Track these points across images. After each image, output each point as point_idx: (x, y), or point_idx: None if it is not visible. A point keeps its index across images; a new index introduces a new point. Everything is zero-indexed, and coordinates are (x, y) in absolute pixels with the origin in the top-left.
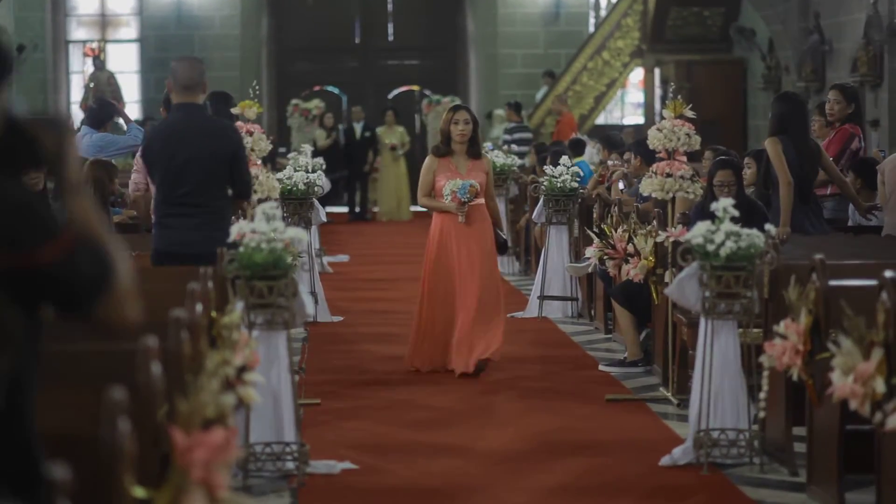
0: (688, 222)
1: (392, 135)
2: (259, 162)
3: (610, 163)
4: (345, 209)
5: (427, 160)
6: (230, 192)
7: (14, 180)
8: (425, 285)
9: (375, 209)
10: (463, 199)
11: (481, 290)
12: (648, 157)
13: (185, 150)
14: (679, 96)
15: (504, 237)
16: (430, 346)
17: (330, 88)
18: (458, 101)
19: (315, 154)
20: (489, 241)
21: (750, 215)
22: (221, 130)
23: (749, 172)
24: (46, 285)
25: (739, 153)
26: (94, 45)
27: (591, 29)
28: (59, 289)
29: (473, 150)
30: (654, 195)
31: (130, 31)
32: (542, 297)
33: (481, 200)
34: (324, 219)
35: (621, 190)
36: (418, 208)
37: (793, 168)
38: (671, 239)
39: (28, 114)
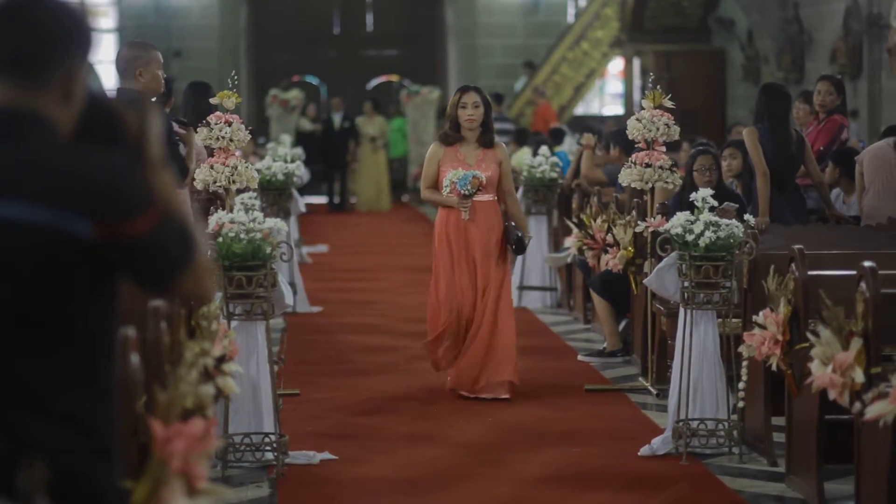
0: (667, 212)
1: (371, 125)
2: (238, 152)
3: (583, 141)
4: (324, 199)
5: (432, 148)
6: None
7: (110, 151)
8: (435, 286)
9: (353, 200)
10: (464, 192)
11: (478, 307)
12: (626, 146)
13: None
14: (658, 86)
15: (519, 234)
16: (447, 341)
17: (309, 79)
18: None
19: (297, 140)
20: (495, 247)
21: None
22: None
23: (735, 163)
24: (137, 258)
25: (718, 144)
26: None
27: (571, 19)
28: (147, 262)
29: (485, 137)
30: (633, 185)
31: (108, 21)
32: (522, 288)
33: (490, 197)
34: (302, 209)
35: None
36: (399, 198)
37: (769, 158)
38: (650, 229)
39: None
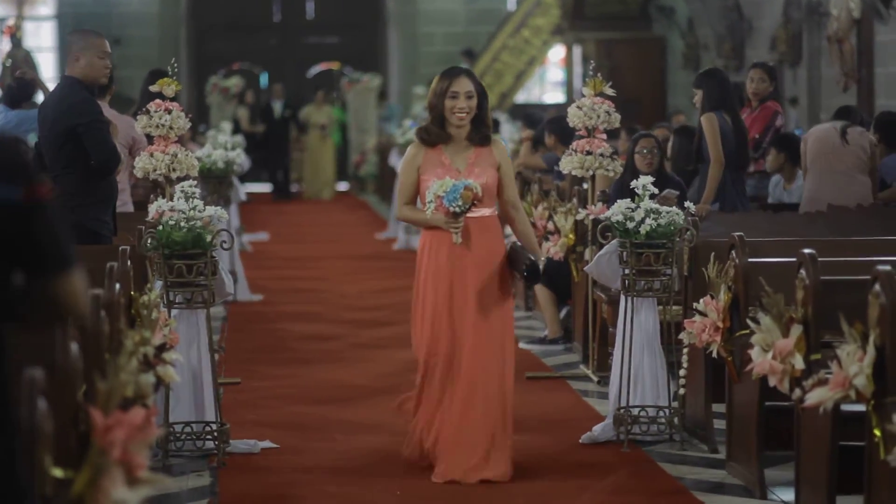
0: (608, 200)
1: (321, 114)
2: (176, 140)
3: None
4: (265, 187)
5: (409, 151)
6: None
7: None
8: (424, 338)
9: (294, 188)
10: (453, 209)
11: (476, 355)
12: (563, 134)
13: (44, 123)
14: (599, 74)
15: (532, 258)
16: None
17: (249, 66)
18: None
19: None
20: (496, 277)
21: (664, 190)
22: (69, 107)
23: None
24: (27, 236)
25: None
26: (11, 22)
27: (512, 7)
28: (34, 243)
29: (478, 133)
30: (574, 173)
31: (47, 8)
32: None
33: (487, 211)
34: (243, 197)
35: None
36: (342, 188)
37: (728, 145)
38: (591, 216)
39: None
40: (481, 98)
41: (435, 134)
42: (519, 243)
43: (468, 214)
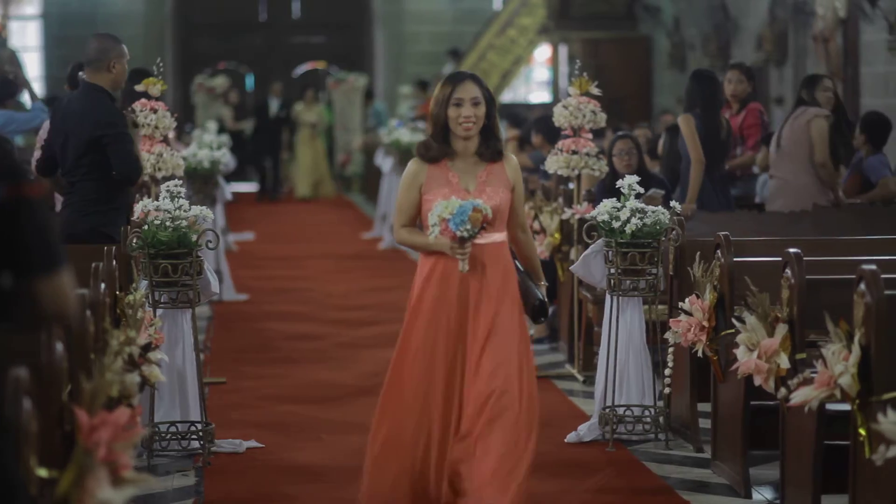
0: (593, 199)
1: (311, 112)
2: (162, 139)
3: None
4: (251, 187)
5: (409, 167)
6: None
7: None
8: (398, 374)
9: (285, 188)
10: (461, 233)
11: (494, 393)
12: (549, 133)
13: (64, 128)
14: (585, 74)
15: (541, 296)
16: (396, 469)
17: (235, 66)
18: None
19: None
20: (511, 307)
21: (648, 189)
22: (97, 115)
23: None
24: (12, 235)
25: (648, 131)
26: None
27: (498, 6)
28: (19, 242)
29: (489, 147)
30: (560, 172)
31: (33, 7)
32: None
33: (499, 236)
34: (229, 197)
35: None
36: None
37: (705, 145)
38: (577, 216)
39: None
40: (489, 105)
41: (437, 150)
42: (522, 269)
43: (476, 240)
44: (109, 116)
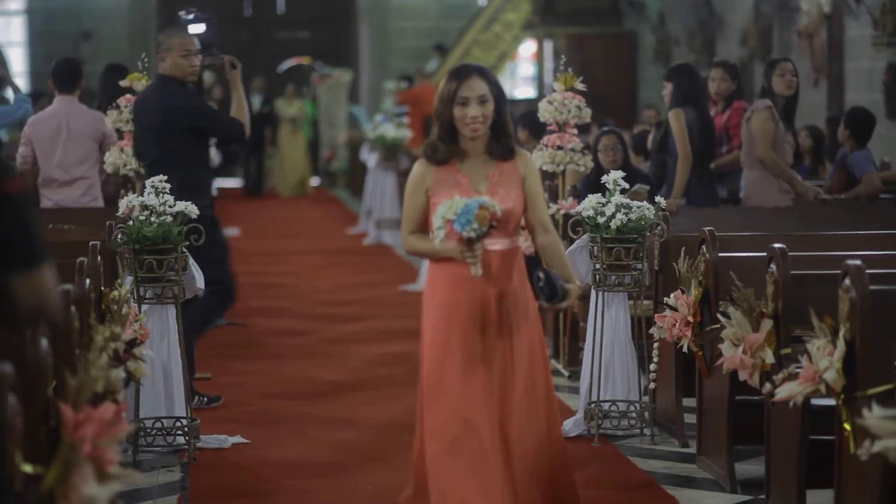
0: (578, 195)
1: (292, 107)
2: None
3: None
4: (235, 183)
5: (414, 170)
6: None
7: None
8: (447, 400)
9: (265, 186)
10: (467, 234)
11: (520, 412)
12: (535, 129)
13: (147, 122)
14: (570, 69)
15: (560, 282)
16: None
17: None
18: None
19: None
20: (528, 318)
21: (633, 184)
22: (178, 102)
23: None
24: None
25: (629, 127)
26: None
27: (483, 1)
28: (12, 228)
29: (500, 144)
30: (544, 167)
31: (17, 2)
32: None
33: (510, 241)
34: (214, 192)
35: None
36: (314, 183)
37: (695, 141)
38: (562, 211)
39: None
40: (499, 101)
41: (444, 151)
42: (545, 269)
43: (489, 247)
44: (186, 101)
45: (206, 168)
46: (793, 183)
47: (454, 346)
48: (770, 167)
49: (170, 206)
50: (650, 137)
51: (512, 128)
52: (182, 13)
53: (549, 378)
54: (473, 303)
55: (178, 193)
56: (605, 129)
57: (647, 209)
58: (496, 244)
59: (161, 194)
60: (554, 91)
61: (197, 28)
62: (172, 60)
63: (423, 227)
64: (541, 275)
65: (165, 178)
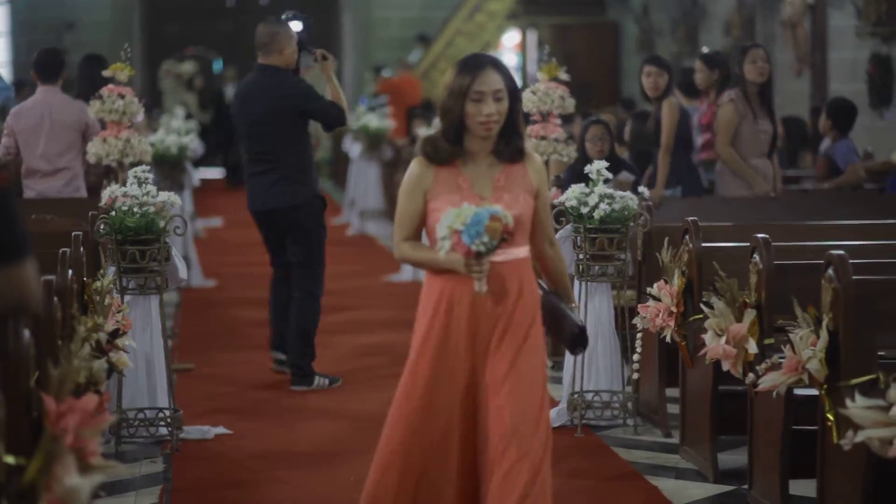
0: (562, 185)
1: None
2: (129, 125)
3: None
4: (219, 173)
5: (412, 169)
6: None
7: None
8: (406, 403)
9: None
10: (476, 248)
11: (514, 427)
12: None
13: (258, 109)
14: (553, 59)
15: (580, 323)
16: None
17: (203, 51)
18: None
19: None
20: (535, 340)
21: (618, 174)
22: (289, 88)
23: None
24: None
25: (613, 116)
26: None
27: None
28: None
29: (508, 145)
30: None
31: None
32: None
33: (521, 252)
34: (197, 183)
35: None
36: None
37: (688, 132)
38: None
39: None
40: (513, 97)
41: (447, 151)
42: (555, 295)
43: (495, 258)
44: (296, 87)
45: (312, 153)
46: (752, 181)
47: (440, 364)
48: (728, 163)
49: (152, 197)
50: (626, 128)
51: (523, 127)
52: (286, 14)
53: (546, 407)
54: (477, 319)
55: (298, 175)
56: (593, 118)
57: (631, 199)
58: (503, 255)
59: (144, 184)
60: (538, 81)
61: (297, 25)
62: (292, 49)
63: (418, 233)
64: (577, 329)
65: (273, 160)
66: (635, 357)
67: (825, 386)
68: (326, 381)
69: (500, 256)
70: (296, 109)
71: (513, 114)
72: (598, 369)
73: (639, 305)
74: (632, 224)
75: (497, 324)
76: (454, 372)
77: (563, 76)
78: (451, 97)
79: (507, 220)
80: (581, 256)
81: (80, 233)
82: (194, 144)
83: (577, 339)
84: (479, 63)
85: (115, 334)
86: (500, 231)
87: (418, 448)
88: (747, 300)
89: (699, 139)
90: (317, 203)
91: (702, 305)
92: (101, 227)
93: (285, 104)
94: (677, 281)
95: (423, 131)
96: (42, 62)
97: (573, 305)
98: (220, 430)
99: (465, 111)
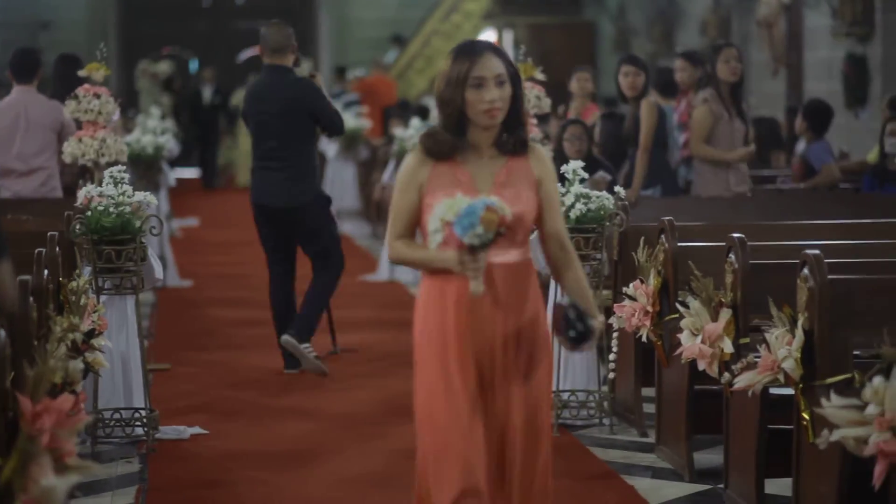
0: None
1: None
2: (106, 125)
3: None
4: (195, 172)
5: (407, 161)
6: (323, 134)
7: None
8: (430, 400)
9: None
10: (470, 241)
11: (516, 444)
12: None
13: (270, 107)
14: (529, 59)
15: (588, 321)
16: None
17: (179, 51)
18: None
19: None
20: (535, 340)
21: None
22: (301, 89)
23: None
24: None
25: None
26: None
27: None
28: None
29: (511, 136)
30: None
31: None
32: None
33: (521, 254)
34: (173, 183)
35: None
36: None
37: (665, 132)
38: None
39: None
40: (515, 84)
41: (448, 144)
42: (566, 298)
43: (493, 258)
44: (310, 89)
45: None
46: (732, 158)
47: (451, 376)
48: (705, 160)
49: (128, 197)
50: (596, 129)
51: (527, 116)
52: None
53: (549, 430)
54: (474, 323)
55: (307, 173)
56: (571, 119)
57: (607, 199)
58: (502, 255)
59: (120, 184)
60: None
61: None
62: (294, 53)
63: (413, 231)
64: (572, 312)
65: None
66: (611, 357)
67: (801, 385)
68: (314, 355)
69: (503, 258)
70: (306, 109)
71: (515, 101)
72: (574, 369)
73: (615, 305)
74: (608, 224)
75: (500, 335)
76: (462, 372)
77: (539, 76)
78: (448, 86)
79: (504, 212)
80: None
81: (56, 233)
82: (170, 144)
83: (579, 336)
84: (476, 48)
85: (90, 334)
86: (497, 223)
87: (458, 434)
88: (723, 300)
89: (681, 138)
90: (322, 200)
91: (677, 305)
92: (77, 227)
93: (298, 105)
94: (653, 281)
95: (399, 131)
96: (17, 62)
97: (598, 320)
98: (196, 430)
99: (465, 100)
